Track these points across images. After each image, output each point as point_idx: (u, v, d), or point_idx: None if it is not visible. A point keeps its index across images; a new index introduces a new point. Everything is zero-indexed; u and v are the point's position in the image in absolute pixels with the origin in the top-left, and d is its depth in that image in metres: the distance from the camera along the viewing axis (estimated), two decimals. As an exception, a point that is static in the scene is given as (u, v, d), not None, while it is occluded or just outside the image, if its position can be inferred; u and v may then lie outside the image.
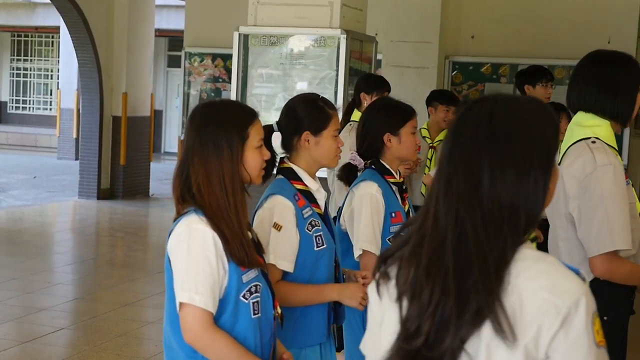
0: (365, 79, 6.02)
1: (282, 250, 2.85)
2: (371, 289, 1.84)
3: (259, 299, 2.61)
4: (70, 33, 12.59)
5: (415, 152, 3.67)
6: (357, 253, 3.42)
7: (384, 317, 1.79)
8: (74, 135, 19.25)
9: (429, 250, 1.71)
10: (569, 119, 5.79)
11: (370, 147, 3.57)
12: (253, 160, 2.64)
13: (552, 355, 1.60)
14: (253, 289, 2.59)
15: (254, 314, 2.60)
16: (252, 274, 2.59)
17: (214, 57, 13.00)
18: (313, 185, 3.04)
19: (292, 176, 3.01)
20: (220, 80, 12.99)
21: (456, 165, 1.71)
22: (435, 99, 6.58)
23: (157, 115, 16.87)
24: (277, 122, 3.14)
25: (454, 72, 12.14)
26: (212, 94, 13.00)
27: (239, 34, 8.35)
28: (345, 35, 8.01)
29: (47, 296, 7.21)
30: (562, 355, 1.59)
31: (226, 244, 2.54)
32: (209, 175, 2.58)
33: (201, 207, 2.58)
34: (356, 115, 5.62)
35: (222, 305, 2.56)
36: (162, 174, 15.93)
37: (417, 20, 11.52)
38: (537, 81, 6.73)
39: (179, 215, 2.65)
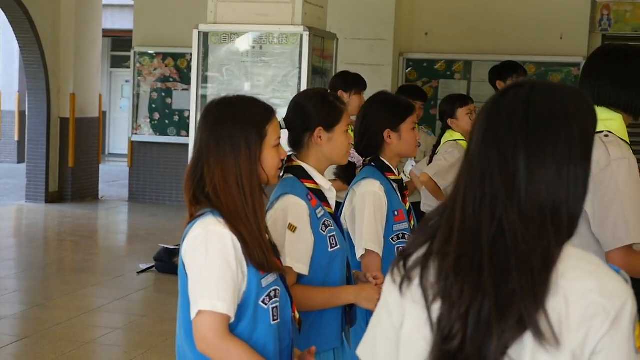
0: (342, 77, 5.86)
1: (298, 253, 2.72)
2: (389, 290, 1.70)
3: (278, 304, 2.48)
4: (15, 33, 12.23)
5: (416, 149, 3.57)
6: (359, 253, 3.30)
7: (404, 319, 1.67)
8: (16, 138, 18.78)
9: (459, 248, 1.59)
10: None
11: (369, 143, 3.46)
12: (271, 159, 2.50)
13: (594, 358, 1.52)
14: (272, 294, 2.46)
15: (274, 320, 2.46)
16: (270, 278, 2.45)
17: (164, 56, 12.78)
18: (325, 184, 2.91)
19: (303, 175, 2.87)
20: (172, 79, 12.77)
21: (489, 157, 1.58)
22: (402, 94, 6.42)
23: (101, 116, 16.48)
24: (285, 119, 2.99)
25: (408, 69, 12.11)
26: (163, 94, 12.78)
27: (199, 32, 8.18)
28: (308, 33, 7.90)
29: (4, 304, 6.95)
30: (603, 358, 1.51)
31: (245, 247, 2.39)
32: (225, 175, 2.43)
33: (217, 208, 2.43)
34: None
35: (240, 311, 2.41)
36: (108, 175, 15.62)
37: (371, 18, 11.46)
38: (508, 76, 6.68)
39: (192, 217, 2.50)
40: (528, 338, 1.51)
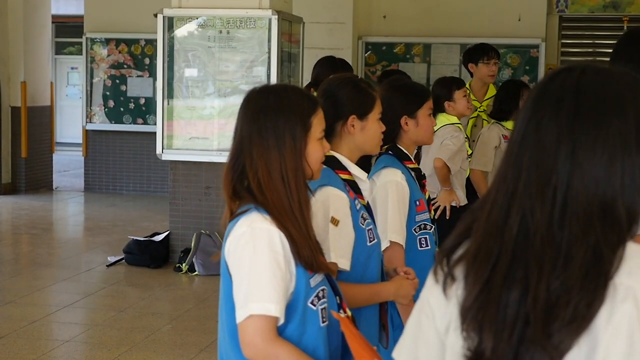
0: (330, 62, 5.70)
1: (342, 247, 2.60)
2: (431, 290, 1.56)
3: (326, 304, 2.36)
4: (-39, 20, 11.83)
5: (432, 135, 3.48)
6: (384, 245, 3.20)
7: (450, 324, 1.54)
8: (-40, 129, 18.22)
9: (481, 241, 1.49)
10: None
11: (386, 131, 3.35)
12: (315, 152, 2.36)
13: None
14: (320, 294, 2.33)
15: (323, 322, 2.34)
16: (318, 277, 2.33)
17: (117, 42, 12.48)
18: (361, 174, 2.79)
19: (337, 165, 2.74)
20: (126, 66, 12.48)
21: (528, 147, 1.46)
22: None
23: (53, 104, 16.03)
24: None
25: (367, 53, 12.03)
26: (117, 81, 12.49)
27: (163, 17, 7.98)
28: (276, 17, 7.76)
29: (-28, 302, 6.71)
30: None
31: (293, 245, 2.26)
32: (269, 168, 2.29)
33: (262, 204, 2.29)
34: (320, 98, 5.37)
35: (288, 313, 2.27)
36: (59, 165, 15.25)
37: (329, 1, 11.33)
38: (479, 59, 6.65)
39: (233, 213, 2.36)
40: (585, 343, 1.41)
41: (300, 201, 2.30)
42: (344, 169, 2.76)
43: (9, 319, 6.18)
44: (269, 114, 2.33)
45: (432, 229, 3.32)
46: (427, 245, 3.30)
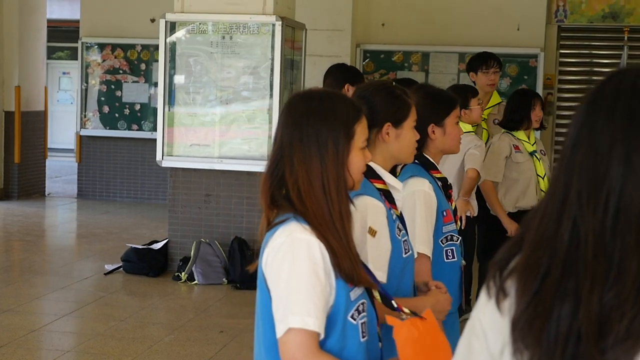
0: (346, 70, 5.58)
1: (379, 259, 2.50)
2: (484, 308, 1.47)
3: (366, 319, 2.26)
4: (-45, 23, 11.69)
5: (459, 144, 3.39)
6: (412, 257, 3.10)
7: (505, 344, 1.43)
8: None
9: (548, 256, 1.40)
10: (543, 105, 5.67)
11: (411, 140, 3.25)
12: (357, 162, 2.26)
13: None
14: (360, 308, 2.23)
15: (363, 337, 2.24)
16: (358, 290, 2.23)
17: (113, 47, 12.37)
18: (396, 184, 2.70)
19: (371, 174, 2.64)
20: (121, 71, 12.37)
21: (580, 154, 1.39)
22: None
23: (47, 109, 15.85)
24: None
25: (366, 61, 11.95)
26: (112, 87, 12.37)
27: (165, 22, 7.87)
28: (280, 22, 7.67)
29: (-32, 310, 6.57)
30: None
31: (333, 257, 2.16)
32: (310, 177, 2.19)
33: (301, 213, 2.19)
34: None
35: (328, 328, 2.17)
36: (51, 171, 15.03)
37: (328, 8, 11.26)
38: (479, 67, 6.57)
39: (270, 222, 2.25)
40: None
41: (342, 212, 2.20)
42: (378, 177, 2.67)
43: (8, 328, 6.05)
44: (311, 120, 2.23)
45: (459, 241, 3.24)
46: (453, 257, 3.21)
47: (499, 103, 6.42)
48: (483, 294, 1.49)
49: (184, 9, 7.87)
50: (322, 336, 2.15)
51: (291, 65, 8.20)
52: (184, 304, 7.10)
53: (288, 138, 2.24)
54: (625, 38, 10.09)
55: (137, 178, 12.48)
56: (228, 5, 7.73)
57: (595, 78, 11.77)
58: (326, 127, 2.22)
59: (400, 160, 2.81)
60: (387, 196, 2.66)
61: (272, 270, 2.18)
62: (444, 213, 3.18)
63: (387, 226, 2.56)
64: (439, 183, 3.25)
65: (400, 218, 2.71)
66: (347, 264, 2.17)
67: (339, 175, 2.21)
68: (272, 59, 7.74)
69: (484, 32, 11.63)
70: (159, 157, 7.98)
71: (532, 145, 5.55)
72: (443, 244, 3.19)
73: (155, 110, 12.03)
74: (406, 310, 2.35)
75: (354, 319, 2.22)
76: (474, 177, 4.97)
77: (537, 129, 5.61)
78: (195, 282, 7.57)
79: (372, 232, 2.49)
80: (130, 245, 8.09)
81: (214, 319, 6.54)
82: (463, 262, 3.25)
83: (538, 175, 5.52)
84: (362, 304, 2.23)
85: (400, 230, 2.63)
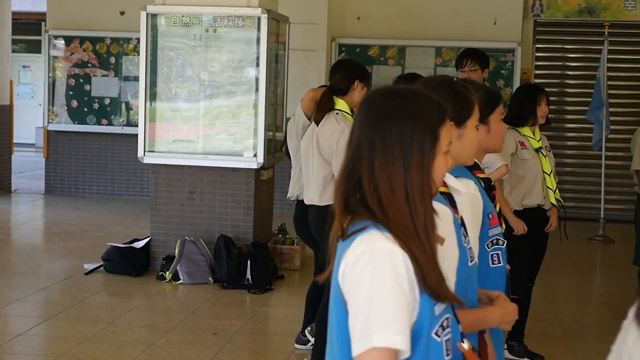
0: (358, 66, 5.37)
1: (448, 269, 2.33)
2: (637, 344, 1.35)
3: (450, 335, 2.08)
4: None
5: (502, 142, 3.24)
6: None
7: None
8: None
9: None
10: (548, 100, 5.55)
11: (455, 138, 3.09)
12: (441, 168, 2.07)
13: None
14: (445, 324, 2.05)
15: (447, 355, 2.06)
16: (442, 304, 2.06)
17: (82, 40, 12.05)
18: (460, 187, 2.54)
19: (433, 177, 2.48)
20: (90, 65, 12.05)
21: None
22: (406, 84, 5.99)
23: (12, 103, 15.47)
24: None
25: (341, 55, 11.79)
26: (81, 80, 12.05)
27: (147, 14, 7.63)
28: (266, 15, 7.48)
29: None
30: None
31: (419, 270, 1.98)
32: (392, 183, 2.00)
33: (381, 221, 2.01)
34: (341, 104, 5.05)
35: (411, 345, 2.00)
36: (13, 166, 14.65)
37: (304, 1, 11.08)
38: (459, 65, 6.35)
39: (343, 230, 2.06)
40: None
41: (426, 222, 2.02)
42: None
43: (-8, 333, 5.80)
44: (394, 120, 2.02)
45: (504, 244, 3.08)
46: (499, 262, 3.05)
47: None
48: (633, 326, 1.34)
49: (165, 1, 7.64)
50: (407, 354, 1.97)
51: (276, 59, 8.01)
52: (172, 304, 6.89)
53: (367, 139, 2.04)
54: (606, 33, 10.05)
55: (107, 173, 12.20)
56: (212, -3, 7.52)
57: (570, 73, 11.77)
58: (411, 129, 2.03)
59: (461, 161, 2.65)
60: (450, 200, 2.50)
61: (351, 282, 1.99)
62: (490, 216, 3.02)
63: (455, 232, 2.40)
64: (483, 184, 3.10)
65: (462, 222, 2.55)
66: (432, 278, 1.99)
67: (423, 182, 2.02)
68: (258, 53, 7.54)
69: (460, 27, 11.55)
70: (140, 153, 7.74)
71: (538, 141, 5.44)
72: (489, 248, 3.03)
73: (127, 104, 11.81)
74: (465, 346, 2.17)
75: (438, 336, 2.04)
76: (504, 172, 4.82)
77: (542, 125, 5.48)
78: (181, 281, 7.37)
79: (440, 240, 2.32)
80: (111, 243, 7.85)
81: (205, 320, 6.34)
82: (508, 267, 3.10)
83: (544, 172, 5.40)
84: (447, 319, 2.06)
85: (465, 237, 2.47)
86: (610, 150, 10.99)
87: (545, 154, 5.45)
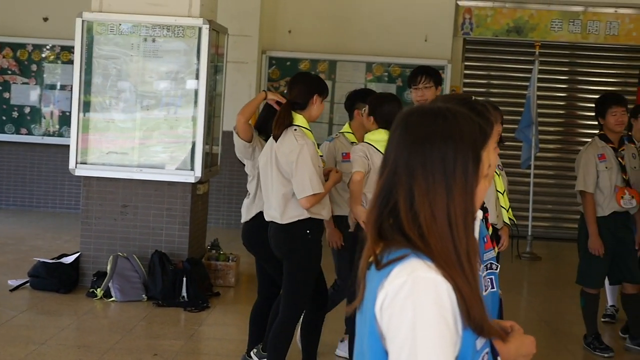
0: (318, 80, 5.10)
1: None
2: None
3: None
4: None
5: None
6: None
7: None
8: None
9: None
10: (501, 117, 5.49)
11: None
12: (482, 192, 1.94)
13: None
14: (485, 359, 1.94)
15: None
16: (483, 338, 1.93)
17: (2, 46, 11.59)
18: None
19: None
20: (10, 72, 11.61)
21: None
22: (360, 99, 5.85)
23: None
24: None
25: (271, 68, 11.66)
26: (0, 88, 11.58)
27: (82, 21, 7.34)
28: (207, 26, 7.30)
29: None
30: None
31: (462, 302, 1.84)
32: (433, 210, 1.85)
33: (422, 250, 1.86)
34: (299, 119, 4.86)
35: None
36: None
37: (235, 13, 10.90)
38: (410, 84, 6.19)
39: (377, 259, 1.90)
40: None
41: (469, 251, 1.88)
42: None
43: None
44: (435, 142, 1.86)
45: (497, 269, 2.99)
46: (492, 287, 2.95)
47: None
48: None
49: (102, 8, 7.37)
50: None
51: (215, 71, 7.82)
52: (106, 323, 6.60)
53: (406, 163, 1.88)
54: (537, 53, 10.17)
55: (24, 185, 11.76)
56: (151, 5, 7.30)
57: (496, 91, 11.88)
58: (453, 151, 1.87)
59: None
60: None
61: (391, 315, 1.83)
62: (484, 239, 2.93)
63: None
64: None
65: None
66: (477, 312, 1.85)
67: (467, 208, 1.88)
68: (198, 64, 7.34)
69: (392, 43, 11.55)
70: (72, 165, 7.43)
71: (492, 160, 5.38)
72: (483, 272, 2.93)
73: (51, 113, 11.40)
74: None
75: None
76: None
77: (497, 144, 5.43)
78: (113, 298, 7.09)
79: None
80: (38, 259, 7.51)
81: (142, 340, 6.09)
82: (500, 291, 3.01)
83: (497, 191, 5.36)
84: (487, 353, 1.94)
85: (480, 265, 2.36)
86: (538, 169, 11.12)
87: (498, 173, 5.40)
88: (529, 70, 10.79)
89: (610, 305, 7.39)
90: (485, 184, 1.95)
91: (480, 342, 1.91)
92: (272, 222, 4.86)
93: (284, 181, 4.76)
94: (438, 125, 1.90)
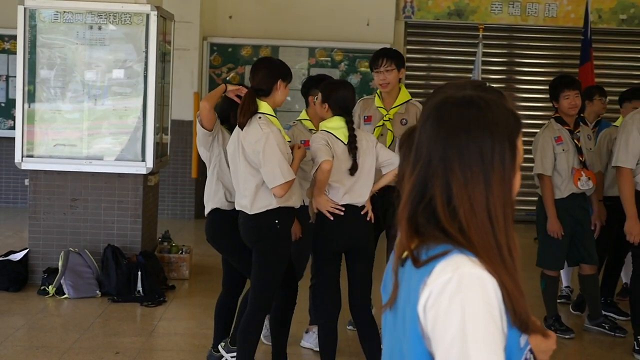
0: (281, 65, 5.00)
1: None
2: None
3: None
4: None
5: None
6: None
7: None
8: None
9: None
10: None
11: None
12: (518, 183, 1.87)
13: None
14: (529, 356, 1.87)
15: None
16: (526, 335, 1.86)
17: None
18: None
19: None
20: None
21: None
22: (314, 86, 5.74)
23: None
24: None
25: (213, 55, 11.47)
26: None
27: (24, 8, 7.08)
28: (156, 12, 7.11)
29: None
30: None
31: (508, 299, 1.77)
32: (472, 203, 1.78)
33: (463, 245, 1.79)
34: (264, 106, 4.73)
35: None
36: None
37: (175, -2, 10.65)
38: (372, 67, 6.13)
39: (414, 255, 1.81)
40: None
41: (509, 245, 1.81)
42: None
43: None
44: (472, 133, 1.78)
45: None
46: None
47: (407, 101, 6.08)
48: None
49: (45, -5, 7.11)
50: None
51: (163, 59, 7.63)
52: (61, 322, 6.40)
53: (441, 155, 1.80)
54: (480, 35, 10.21)
55: (-39, 179, 11.36)
56: (96, -8, 7.06)
57: (438, 74, 11.89)
58: (490, 141, 1.80)
59: None
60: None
61: (437, 314, 1.74)
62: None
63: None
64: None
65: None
66: (522, 308, 1.79)
67: (506, 200, 1.80)
68: (147, 52, 7.14)
69: (334, 27, 11.47)
70: (17, 158, 7.18)
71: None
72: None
73: (-9, 105, 11.04)
74: None
75: None
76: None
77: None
78: (65, 295, 6.89)
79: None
80: (-10, 256, 7.26)
81: (102, 338, 5.92)
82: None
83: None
84: (531, 350, 1.88)
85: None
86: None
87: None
88: (471, 53, 10.83)
89: (565, 286, 7.47)
90: (519, 174, 1.88)
91: (523, 339, 1.85)
92: (241, 211, 4.75)
93: (252, 171, 4.65)
94: (473, 114, 1.81)
